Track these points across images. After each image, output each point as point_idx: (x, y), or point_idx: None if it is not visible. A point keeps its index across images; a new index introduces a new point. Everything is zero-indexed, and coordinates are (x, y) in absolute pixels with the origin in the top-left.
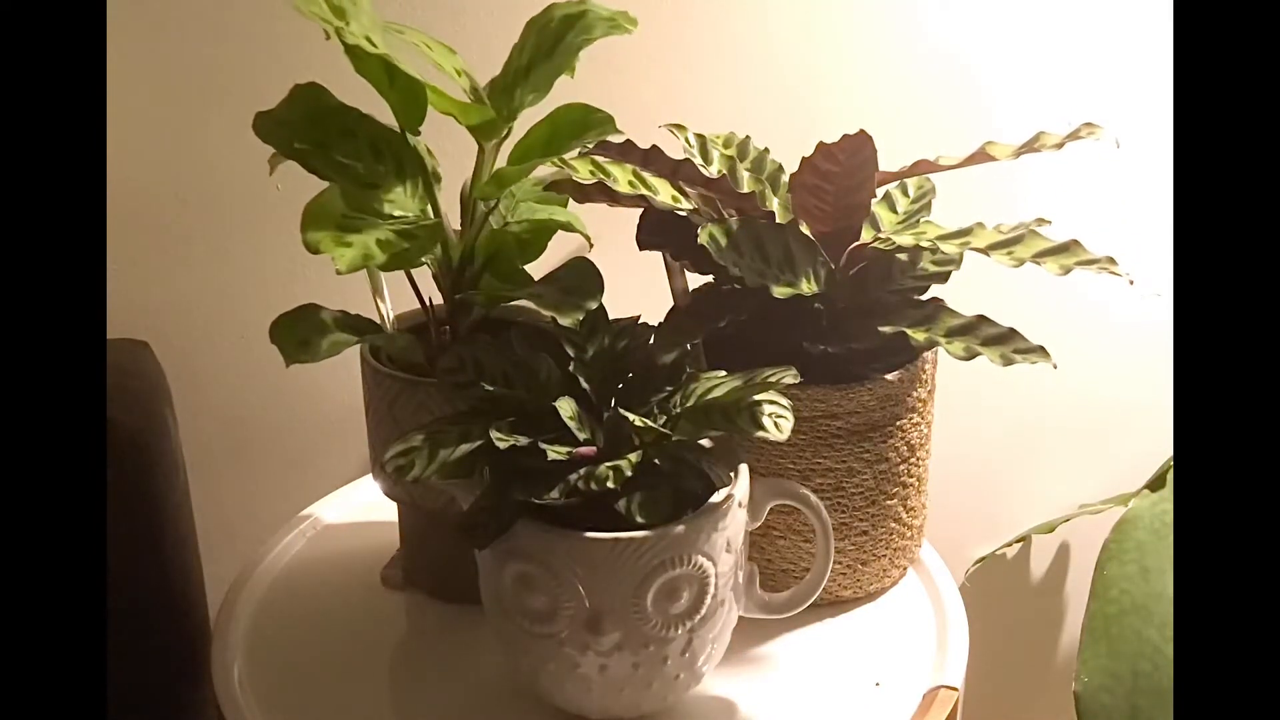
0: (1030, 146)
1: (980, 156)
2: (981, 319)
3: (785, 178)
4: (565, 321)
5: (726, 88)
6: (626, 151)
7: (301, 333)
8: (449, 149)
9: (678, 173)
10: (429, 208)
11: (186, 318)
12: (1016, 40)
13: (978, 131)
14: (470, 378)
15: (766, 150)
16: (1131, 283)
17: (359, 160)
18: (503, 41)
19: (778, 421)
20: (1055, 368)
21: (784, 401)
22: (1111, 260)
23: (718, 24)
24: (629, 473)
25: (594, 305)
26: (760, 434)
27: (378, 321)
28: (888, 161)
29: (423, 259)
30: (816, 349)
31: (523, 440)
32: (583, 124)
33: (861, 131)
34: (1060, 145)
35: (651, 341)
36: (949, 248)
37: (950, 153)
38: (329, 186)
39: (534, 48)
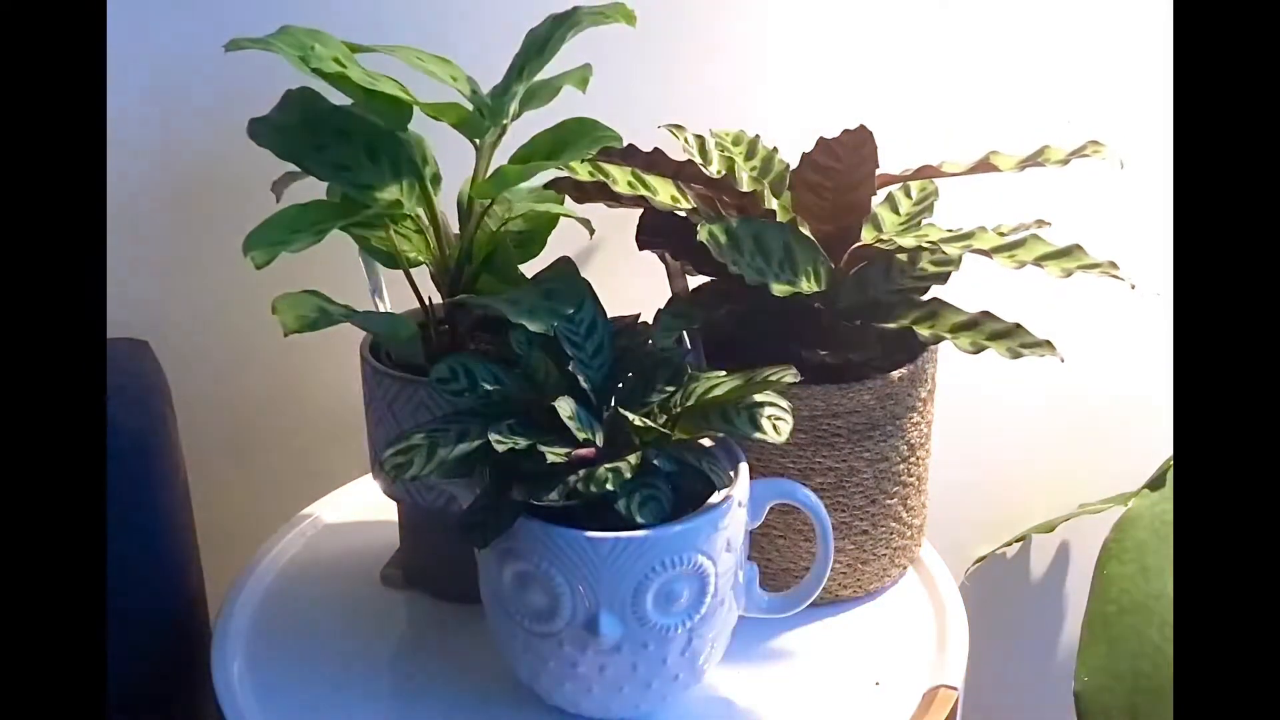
0: (1034, 160)
1: (984, 166)
2: (985, 314)
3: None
4: (536, 329)
5: (729, 91)
6: (629, 156)
7: (302, 308)
8: (451, 153)
9: (680, 174)
10: (425, 208)
11: (186, 318)
12: (1019, 41)
13: (980, 134)
14: (463, 385)
15: (775, 149)
16: (1133, 287)
17: (355, 162)
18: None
19: (776, 424)
20: (1062, 361)
21: (783, 403)
22: (1113, 264)
23: (720, 27)
24: (628, 475)
25: (570, 311)
26: (759, 436)
27: None
28: (892, 166)
29: (348, 227)
30: (815, 357)
31: (521, 442)
32: (590, 141)
33: (861, 127)
34: (1065, 161)
35: (652, 327)
36: (951, 250)
37: (955, 156)
38: (276, 212)
39: (527, 48)
